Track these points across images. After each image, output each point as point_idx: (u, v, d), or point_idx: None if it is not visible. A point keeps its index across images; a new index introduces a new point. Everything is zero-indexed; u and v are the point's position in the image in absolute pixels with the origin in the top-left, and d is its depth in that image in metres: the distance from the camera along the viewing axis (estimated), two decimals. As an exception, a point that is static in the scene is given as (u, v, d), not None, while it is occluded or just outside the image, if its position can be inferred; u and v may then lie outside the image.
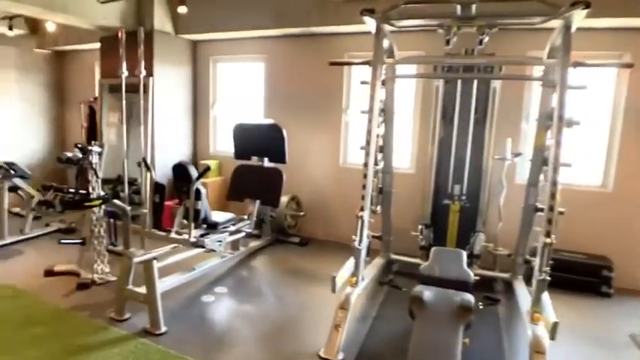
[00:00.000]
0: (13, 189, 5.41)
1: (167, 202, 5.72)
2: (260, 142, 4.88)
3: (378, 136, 3.89)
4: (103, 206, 4.25)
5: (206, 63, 6.17)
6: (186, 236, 3.69)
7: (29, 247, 5.07)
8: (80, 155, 6.91)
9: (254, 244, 5.00)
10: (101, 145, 4.35)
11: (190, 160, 6.30)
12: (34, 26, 7.41)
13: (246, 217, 4.64)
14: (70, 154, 7.01)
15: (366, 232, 3.47)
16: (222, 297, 3.90)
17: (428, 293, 2.85)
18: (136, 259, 3.37)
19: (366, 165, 3.41)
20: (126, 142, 4.95)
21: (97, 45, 6.84)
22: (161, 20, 5.63)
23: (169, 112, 5.89)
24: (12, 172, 4.93)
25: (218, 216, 4.08)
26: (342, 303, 3.20)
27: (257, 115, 5.84)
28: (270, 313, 3.65)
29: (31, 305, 3.64)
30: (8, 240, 5.08)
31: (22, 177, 5.10)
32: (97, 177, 4.20)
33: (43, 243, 5.26)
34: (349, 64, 3.84)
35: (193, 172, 3.64)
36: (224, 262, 4.43)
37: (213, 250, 3.97)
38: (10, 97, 7.10)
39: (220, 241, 4.01)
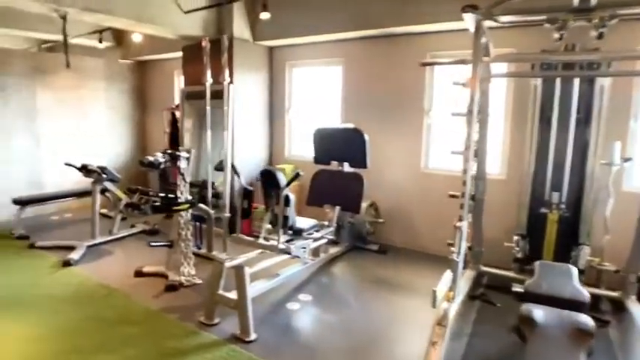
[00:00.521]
0: (102, 191, 5.69)
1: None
2: (340, 147, 4.79)
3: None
4: (190, 210, 4.33)
5: (282, 68, 6.19)
6: (273, 242, 3.64)
7: (117, 248, 5.29)
8: (161, 160, 7.21)
9: (333, 250, 4.90)
10: (188, 151, 4.43)
11: (267, 165, 6.35)
12: (119, 38, 7.83)
13: (326, 223, 4.56)
14: (151, 158, 7.30)
15: (464, 243, 3.25)
16: (307, 305, 3.83)
17: (539, 313, 2.60)
18: (228, 264, 3.37)
19: (465, 171, 3.20)
20: (210, 147, 5.06)
21: (177, 54, 7.11)
22: (240, 28, 5.71)
23: (247, 118, 5.96)
24: (104, 175, 5.16)
25: (302, 222, 4.02)
26: (439, 319, 3.01)
27: (334, 119, 5.77)
28: (358, 324, 3.52)
29: (123, 305, 3.76)
30: (99, 240, 5.33)
31: (112, 180, 5.33)
32: (185, 182, 4.28)
33: (129, 243, 5.48)
34: (442, 64, 3.65)
35: (281, 179, 3.60)
36: (305, 268, 4.36)
37: (297, 257, 3.90)
38: (99, 105, 7.53)
39: (304, 248, 3.95)
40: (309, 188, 4.94)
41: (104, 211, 6.81)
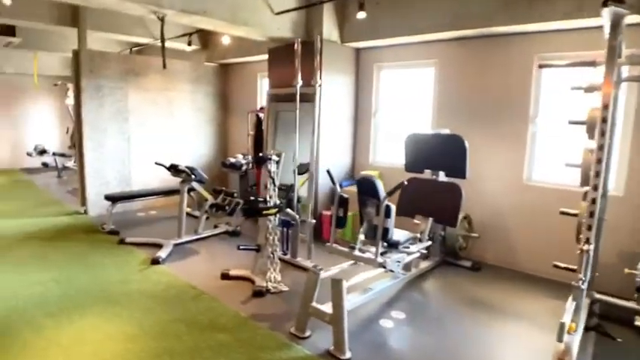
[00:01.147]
0: (188, 191, 5.77)
1: (325, 212, 5.63)
2: (436, 154, 4.48)
3: (591, 152, 3.23)
4: (278, 215, 4.21)
5: (369, 70, 5.97)
6: (369, 254, 3.41)
7: (202, 248, 5.31)
8: (243, 161, 7.26)
9: (423, 265, 4.60)
10: (279, 154, 4.32)
11: (350, 170, 6.16)
12: (204, 41, 8.00)
13: (419, 235, 4.26)
14: (233, 160, 7.38)
15: (590, 269, 2.85)
16: (401, 323, 3.56)
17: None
18: (323, 275, 3.19)
19: (595, 188, 2.80)
20: (298, 150, 4.94)
21: (260, 57, 7.13)
22: (328, 29, 5.56)
23: (332, 121, 5.79)
24: (192, 176, 5.20)
25: (398, 234, 3.76)
26: (561, 353, 2.65)
27: (424, 125, 5.46)
28: (457, 350, 3.20)
29: (212, 309, 3.68)
30: (184, 239, 5.38)
31: (199, 181, 5.36)
32: (275, 185, 4.17)
33: (213, 244, 5.48)
34: (565, 65, 3.25)
35: (381, 188, 3.37)
36: (396, 282, 4.09)
37: (391, 271, 3.65)
38: (185, 107, 7.72)
39: (399, 262, 3.69)
40: (399, 197, 4.65)
41: (188, 210, 6.95)
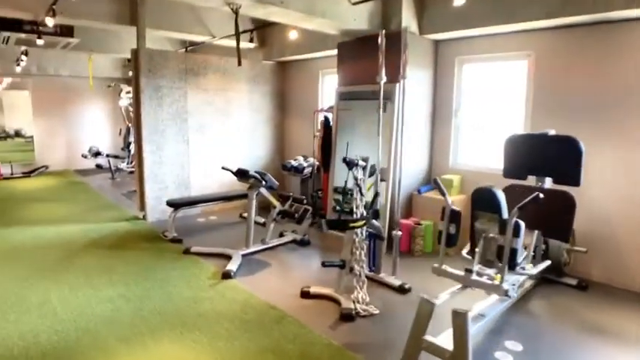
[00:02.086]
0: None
1: (403, 221, 5.14)
2: (543, 159, 3.91)
3: None
4: (365, 227, 3.77)
5: (449, 64, 5.43)
6: (486, 278, 2.91)
7: (272, 259, 4.93)
8: (305, 164, 6.87)
9: (527, 283, 4.04)
10: (366, 159, 3.87)
11: (427, 174, 5.64)
12: (261, 39, 7.64)
13: (532, 252, 3.71)
14: (294, 163, 7.01)
15: None
16: (521, 357, 3.03)
17: None
18: (438, 302, 2.72)
19: None
20: (380, 153, 4.48)
21: (322, 54, 6.72)
22: (407, 19, 5.06)
23: (408, 121, 5.27)
24: (263, 182, 4.82)
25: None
26: None
27: (514, 124, 4.89)
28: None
29: (300, 335, 3.26)
30: (252, 249, 5.02)
31: (270, 187, 4.98)
32: (362, 194, 3.72)
33: (281, 254, 5.10)
34: None
35: (502, 200, 2.86)
36: (504, 305, 3.56)
37: (509, 297, 3.12)
38: (243, 107, 7.40)
39: (514, 285, 3.16)
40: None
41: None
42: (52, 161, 11.08)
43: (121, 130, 11.07)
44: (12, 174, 10.18)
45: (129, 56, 9.46)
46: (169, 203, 5.61)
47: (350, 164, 3.77)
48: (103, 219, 6.51)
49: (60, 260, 4.76)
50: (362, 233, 3.79)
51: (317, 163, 6.45)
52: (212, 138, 7.00)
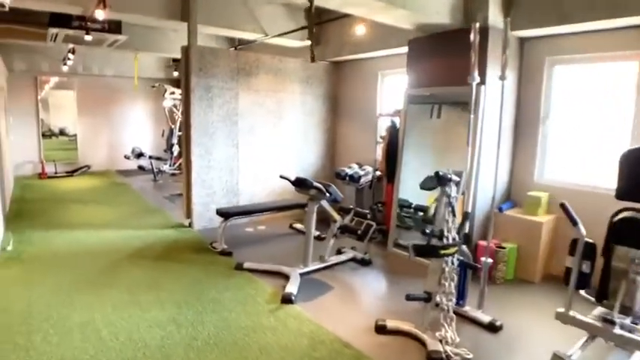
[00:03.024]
0: (301, 206, 4.94)
1: (481, 242, 4.53)
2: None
3: None
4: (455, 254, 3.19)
5: (537, 65, 4.77)
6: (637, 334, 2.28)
7: (332, 280, 4.40)
8: (361, 173, 6.32)
9: None
10: (459, 174, 3.29)
11: (507, 189, 4.99)
12: (315, 37, 7.14)
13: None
14: (349, 171, 6.46)
15: None
16: None
17: None
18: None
19: None
20: (470, 165, 3.90)
21: (383, 52, 6.20)
22: (494, 14, 4.45)
23: (487, 128, 4.66)
24: (328, 194, 4.30)
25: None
26: None
27: (618, 135, 4.21)
28: None
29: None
30: (311, 267, 4.51)
31: (334, 201, 4.46)
32: (454, 215, 3.14)
33: (343, 275, 4.56)
34: None
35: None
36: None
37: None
38: (295, 111, 6.93)
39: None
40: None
41: (299, 226, 6.14)
42: (94, 161, 10.93)
43: (163, 131, 10.83)
44: (56, 173, 10.07)
45: (174, 56, 9.24)
46: (220, 212, 5.17)
47: (442, 180, 3.20)
48: (146, 225, 6.15)
49: (103, 271, 4.39)
50: (452, 262, 3.22)
51: (378, 172, 5.90)
52: (262, 142, 6.55)
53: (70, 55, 8.61)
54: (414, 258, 3.02)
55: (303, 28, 6.33)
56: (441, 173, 3.22)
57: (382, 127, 6.11)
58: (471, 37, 3.70)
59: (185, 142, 5.95)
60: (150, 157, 9.96)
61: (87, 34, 5.92)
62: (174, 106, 10.05)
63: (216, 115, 6.01)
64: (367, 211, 4.81)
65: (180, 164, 10.19)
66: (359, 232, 4.66)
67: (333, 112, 7.45)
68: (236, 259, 4.81)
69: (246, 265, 4.54)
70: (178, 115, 10.16)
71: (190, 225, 6.01)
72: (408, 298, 3.18)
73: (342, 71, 7.35)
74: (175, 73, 11.02)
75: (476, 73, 3.61)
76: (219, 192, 6.13)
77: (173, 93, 9.82)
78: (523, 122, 4.91)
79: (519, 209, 4.79)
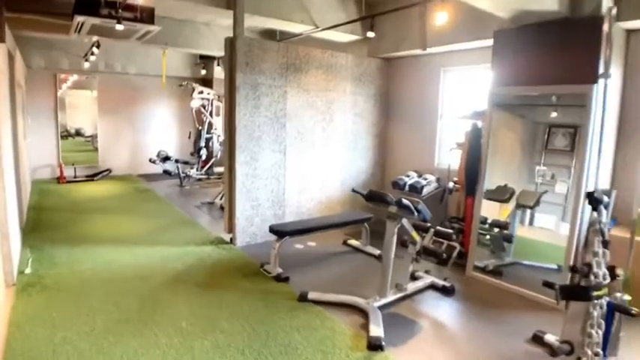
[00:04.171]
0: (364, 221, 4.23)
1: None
2: None
3: None
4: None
5: (649, 62, 4.03)
6: None
7: (415, 314, 3.66)
8: (423, 183, 5.59)
9: None
10: (608, 193, 2.55)
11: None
12: (367, 30, 6.44)
13: None
14: (409, 180, 5.72)
15: None
16: None
17: None
18: None
19: None
20: (587, 177, 3.15)
21: (446, 48, 5.48)
22: (606, 1, 3.70)
23: (590, 134, 3.91)
24: (416, 213, 3.56)
25: None
26: None
27: None
28: None
29: None
30: (389, 298, 3.78)
31: (424, 220, 3.73)
32: (607, 247, 2.39)
33: (425, 307, 3.83)
34: None
35: None
36: None
37: None
38: (345, 112, 6.20)
39: None
40: None
41: (355, 243, 5.42)
42: (115, 164, 10.28)
43: (190, 133, 10.17)
44: (75, 177, 9.44)
45: (205, 52, 8.58)
46: (274, 230, 4.47)
47: (597, 202, 2.45)
48: (182, 240, 5.45)
49: (141, 305, 3.65)
50: (602, 306, 2.47)
51: (451, 183, 5.16)
52: (310, 147, 5.84)
53: (95, 50, 7.97)
54: (561, 302, 2.28)
55: (362, 18, 5.59)
56: (595, 194, 2.47)
57: (443, 130, 5.39)
58: (605, 27, 2.96)
59: (228, 147, 5.25)
60: (176, 161, 9.29)
61: (118, 22, 5.24)
62: (203, 106, 9.39)
63: (264, 117, 5.31)
64: (451, 231, 4.06)
65: (208, 169, 9.52)
66: (444, 255, 3.92)
67: (385, 115, 6.72)
68: (294, 285, 4.10)
69: (311, 295, 3.82)
70: (206, 116, 9.50)
71: (232, 241, 5.31)
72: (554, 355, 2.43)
73: (395, 68, 6.62)
74: (203, 72, 10.39)
75: (600, 66, 2.87)
76: (264, 203, 5.42)
77: (202, 92, 9.16)
78: (628, 125, 4.16)
79: (623, 228, 4.02)
